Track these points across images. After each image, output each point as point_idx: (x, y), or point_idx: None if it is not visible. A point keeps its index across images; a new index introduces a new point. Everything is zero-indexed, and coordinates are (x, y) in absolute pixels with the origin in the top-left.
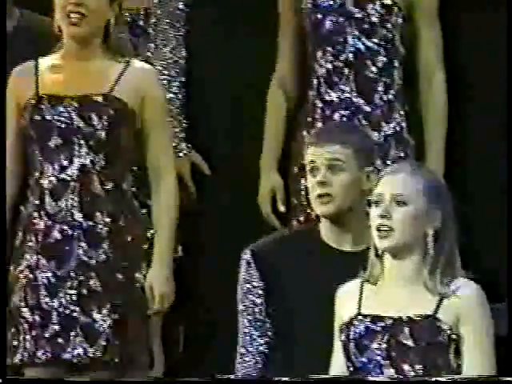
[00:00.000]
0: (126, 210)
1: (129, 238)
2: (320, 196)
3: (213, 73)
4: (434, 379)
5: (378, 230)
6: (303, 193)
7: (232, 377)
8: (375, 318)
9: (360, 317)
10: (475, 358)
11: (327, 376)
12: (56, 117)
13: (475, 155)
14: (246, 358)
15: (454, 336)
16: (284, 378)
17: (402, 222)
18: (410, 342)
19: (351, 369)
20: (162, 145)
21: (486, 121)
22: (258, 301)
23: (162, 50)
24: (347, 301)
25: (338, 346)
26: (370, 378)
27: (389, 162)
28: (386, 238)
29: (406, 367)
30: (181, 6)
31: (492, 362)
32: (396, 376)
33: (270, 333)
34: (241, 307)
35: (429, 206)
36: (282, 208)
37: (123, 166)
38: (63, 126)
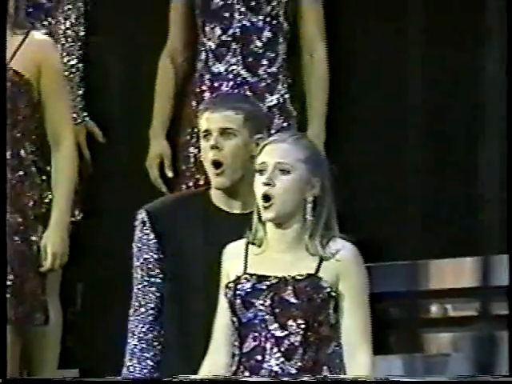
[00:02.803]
0: (24, 177)
1: (26, 203)
2: (214, 164)
3: (111, 43)
4: (434, 379)
5: (262, 199)
6: (192, 160)
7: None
8: (261, 278)
9: (246, 275)
10: (353, 312)
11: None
12: None
13: (356, 123)
14: (140, 311)
15: (333, 294)
16: (285, 378)
17: (285, 189)
18: (292, 299)
19: (236, 324)
20: (59, 112)
21: (369, 91)
22: (152, 258)
23: (62, 24)
24: (233, 258)
25: (222, 301)
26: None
27: (273, 132)
28: (269, 208)
29: (289, 322)
30: None
31: (367, 313)
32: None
33: (163, 289)
34: (135, 264)
35: (309, 174)
36: (169, 173)
37: (21, 134)
38: None
